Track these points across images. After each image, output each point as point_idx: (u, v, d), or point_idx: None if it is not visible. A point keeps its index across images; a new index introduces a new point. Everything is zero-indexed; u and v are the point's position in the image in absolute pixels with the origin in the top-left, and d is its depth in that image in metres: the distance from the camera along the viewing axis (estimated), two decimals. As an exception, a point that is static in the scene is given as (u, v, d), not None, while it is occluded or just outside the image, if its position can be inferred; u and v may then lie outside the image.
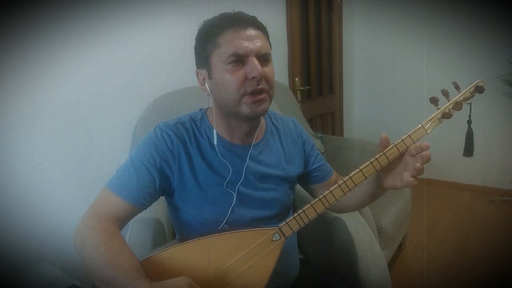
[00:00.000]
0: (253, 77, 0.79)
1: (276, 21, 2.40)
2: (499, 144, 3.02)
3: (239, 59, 0.79)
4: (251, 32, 0.80)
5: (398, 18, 3.24)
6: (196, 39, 0.86)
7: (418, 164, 0.77)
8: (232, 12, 0.83)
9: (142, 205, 0.84)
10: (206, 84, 0.86)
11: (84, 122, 1.39)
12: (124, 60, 1.49)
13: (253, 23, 0.82)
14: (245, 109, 0.82)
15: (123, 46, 1.48)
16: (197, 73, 0.88)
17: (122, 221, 0.82)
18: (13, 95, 1.18)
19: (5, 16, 1.13)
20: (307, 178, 1.06)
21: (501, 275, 2.05)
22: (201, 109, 0.95)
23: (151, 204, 0.87)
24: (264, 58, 0.82)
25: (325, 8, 2.92)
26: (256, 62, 0.79)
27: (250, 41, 0.79)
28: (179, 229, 0.97)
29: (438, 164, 3.25)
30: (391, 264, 2.14)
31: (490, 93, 2.89)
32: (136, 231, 1.08)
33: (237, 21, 0.80)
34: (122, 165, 0.86)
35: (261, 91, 0.81)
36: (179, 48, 1.64)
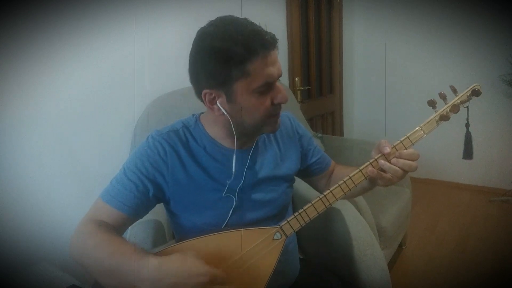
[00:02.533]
0: (279, 103, 0.81)
1: (276, 21, 2.40)
2: (499, 144, 3.02)
3: (268, 87, 0.79)
4: (274, 54, 0.78)
5: (398, 18, 3.24)
6: (202, 55, 0.77)
7: (395, 167, 0.81)
8: (252, 29, 0.75)
9: (136, 215, 0.84)
10: (218, 104, 0.80)
11: (84, 122, 1.39)
12: (124, 60, 1.49)
13: (274, 43, 0.78)
14: (267, 128, 0.85)
15: (123, 46, 1.48)
16: (205, 94, 0.80)
17: (117, 230, 0.82)
18: (13, 95, 1.18)
19: (5, 15, 1.13)
20: (308, 172, 1.07)
21: (501, 275, 2.05)
22: (193, 115, 0.94)
23: (147, 213, 0.87)
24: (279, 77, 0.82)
25: (325, 7, 2.92)
26: (282, 88, 0.80)
27: (275, 66, 0.78)
28: (179, 234, 0.97)
29: (438, 164, 3.25)
30: (391, 264, 2.14)
31: (490, 93, 2.89)
32: (136, 232, 1.08)
33: (265, 45, 0.75)
34: (116, 175, 0.86)
35: (280, 111, 0.84)
36: (179, 48, 1.63)
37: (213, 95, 0.80)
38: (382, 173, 0.83)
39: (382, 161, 0.82)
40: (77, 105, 1.36)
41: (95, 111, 1.42)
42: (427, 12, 3.09)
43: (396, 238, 1.99)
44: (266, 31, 0.77)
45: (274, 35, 0.78)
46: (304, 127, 1.08)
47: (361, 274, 1.11)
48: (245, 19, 0.78)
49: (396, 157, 0.81)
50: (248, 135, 0.89)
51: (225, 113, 0.81)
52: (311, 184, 1.12)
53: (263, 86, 0.77)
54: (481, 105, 2.82)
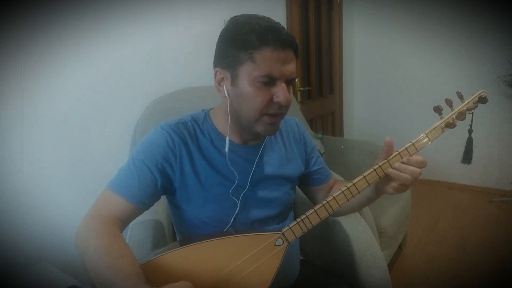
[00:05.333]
0: (278, 102, 0.80)
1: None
2: (499, 144, 3.02)
3: (270, 80, 0.79)
4: (288, 54, 0.79)
5: (398, 18, 3.24)
6: (224, 37, 0.83)
7: (405, 175, 0.79)
8: (271, 25, 0.79)
9: (144, 205, 0.84)
10: (223, 86, 0.84)
11: (84, 123, 1.39)
12: (125, 61, 1.49)
13: (292, 45, 0.80)
14: (260, 127, 0.83)
15: (124, 47, 1.48)
16: (216, 72, 0.85)
17: (124, 222, 0.82)
18: (14, 95, 1.18)
19: (5, 15, 1.13)
20: (307, 180, 1.06)
21: (501, 275, 2.05)
22: (203, 110, 0.95)
23: (153, 204, 0.87)
24: (291, 82, 0.82)
25: (325, 8, 2.92)
26: (285, 89, 0.80)
27: (285, 65, 0.79)
28: (180, 229, 0.97)
29: (438, 165, 3.25)
30: (391, 264, 2.14)
31: (490, 94, 2.87)
32: (136, 232, 1.08)
33: (278, 40, 0.77)
34: (124, 166, 0.85)
35: (279, 114, 0.82)
36: (180, 49, 1.63)
37: (222, 75, 0.84)
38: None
39: (390, 170, 0.80)
40: (77, 105, 1.36)
41: (95, 111, 1.42)
42: (427, 12, 3.09)
43: (396, 238, 1.99)
44: (287, 33, 0.79)
45: (294, 40, 0.81)
46: (310, 136, 1.08)
47: (361, 274, 1.11)
48: (277, 23, 0.82)
49: (404, 163, 0.79)
50: (243, 129, 0.88)
51: (227, 95, 0.83)
52: (308, 195, 1.10)
53: (265, 76, 0.77)
54: (481, 105, 2.82)
